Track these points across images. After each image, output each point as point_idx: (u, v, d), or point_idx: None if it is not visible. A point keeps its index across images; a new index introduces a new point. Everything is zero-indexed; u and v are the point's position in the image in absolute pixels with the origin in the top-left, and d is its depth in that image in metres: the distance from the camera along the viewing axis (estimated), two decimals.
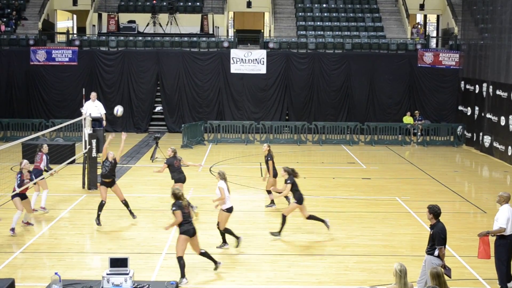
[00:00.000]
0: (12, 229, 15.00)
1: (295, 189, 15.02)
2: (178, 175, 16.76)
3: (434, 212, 10.61)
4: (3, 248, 14.15)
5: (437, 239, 10.46)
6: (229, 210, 13.94)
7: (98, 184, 16.70)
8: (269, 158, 17.59)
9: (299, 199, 14.98)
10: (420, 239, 14.56)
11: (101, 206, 15.71)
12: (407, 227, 16.18)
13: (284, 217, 15.05)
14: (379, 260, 13.62)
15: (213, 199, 14.19)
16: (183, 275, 11.97)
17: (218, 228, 14.12)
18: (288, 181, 14.98)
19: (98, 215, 15.67)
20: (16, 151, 22.06)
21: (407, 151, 28.76)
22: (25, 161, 15.38)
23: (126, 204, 16.26)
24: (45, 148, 17.54)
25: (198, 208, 16.80)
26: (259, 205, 18.41)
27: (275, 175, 17.63)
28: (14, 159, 20.13)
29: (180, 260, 11.94)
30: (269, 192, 17.84)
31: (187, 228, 11.95)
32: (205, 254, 12.49)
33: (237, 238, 14.16)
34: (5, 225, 15.34)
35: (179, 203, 11.99)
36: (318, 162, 25.77)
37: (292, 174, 15.11)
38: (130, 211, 16.35)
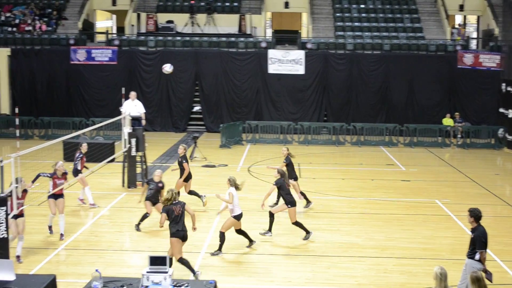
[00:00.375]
0: (49, 227, 15.18)
1: (285, 192, 14.89)
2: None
3: (475, 215, 10.48)
4: (44, 245, 14.39)
5: (478, 243, 10.32)
6: (237, 217, 13.76)
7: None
8: (284, 161, 17.60)
9: (291, 202, 14.82)
10: (461, 242, 14.35)
11: (144, 217, 15.56)
12: (447, 230, 15.97)
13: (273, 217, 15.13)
14: (419, 263, 13.48)
15: (217, 194, 14.04)
16: (193, 271, 11.97)
17: (237, 231, 14.06)
18: (274, 183, 14.96)
19: (139, 223, 15.63)
20: (57, 149, 22.44)
21: (447, 154, 28.41)
22: (60, 162, 15.26)
23: None
24: (84, 147, 17.63)
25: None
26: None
27: (295, 178, 17.67)
28: (56, 157, 20.40)
29: (182, 260, 11.94)
30: (301, 193, 17.82)
31: (175, 230, 11.91)
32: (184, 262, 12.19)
33: (219, 250, 13.78)
34: (47, 222, 15.58)
35: (168, 206, 11.94)
36: (357, 164, 25.59)
37: (283, 176, 15.00)
38: None
